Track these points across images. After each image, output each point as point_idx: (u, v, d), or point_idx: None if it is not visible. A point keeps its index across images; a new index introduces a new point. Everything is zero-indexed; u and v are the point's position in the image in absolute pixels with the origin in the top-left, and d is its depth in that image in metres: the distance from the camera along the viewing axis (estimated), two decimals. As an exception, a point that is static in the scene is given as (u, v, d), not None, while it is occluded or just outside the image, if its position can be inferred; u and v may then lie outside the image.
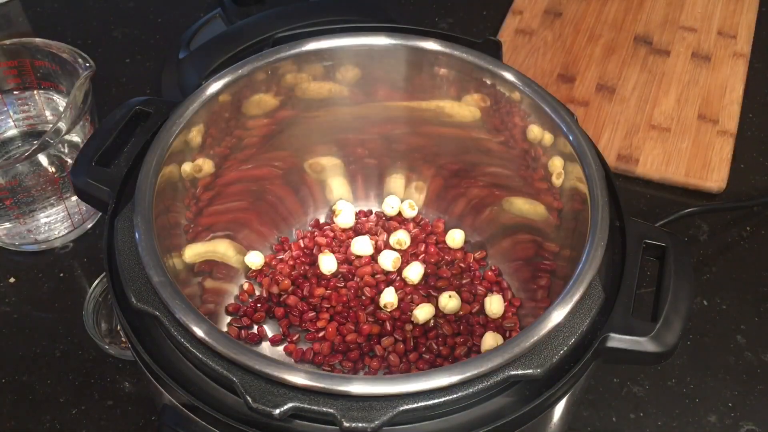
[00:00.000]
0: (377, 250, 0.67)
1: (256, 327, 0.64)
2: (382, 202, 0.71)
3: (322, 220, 0.70)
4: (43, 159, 0.69)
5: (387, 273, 0.66)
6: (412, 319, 0.63)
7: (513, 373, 0.45)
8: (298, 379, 0.43)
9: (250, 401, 0.43)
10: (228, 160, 0.61)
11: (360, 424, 0.43)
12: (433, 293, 0.65)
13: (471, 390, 0.44)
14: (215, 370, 0.45)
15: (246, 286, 0.66)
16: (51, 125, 0.65)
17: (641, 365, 0.66)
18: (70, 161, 0.71)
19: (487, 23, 0.94)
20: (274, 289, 0.65)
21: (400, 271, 0.66)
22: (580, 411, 0.64)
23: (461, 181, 0.67)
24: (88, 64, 0.68)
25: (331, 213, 0.70)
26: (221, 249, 0.64)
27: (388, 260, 0.66)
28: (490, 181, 0.66)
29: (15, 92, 0.75)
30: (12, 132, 0.76)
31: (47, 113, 0.76)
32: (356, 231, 0.69)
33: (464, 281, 0.65)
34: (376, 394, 0.43)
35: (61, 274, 0.72)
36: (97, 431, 0.63)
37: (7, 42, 0.71)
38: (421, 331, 0.62)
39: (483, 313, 0.64)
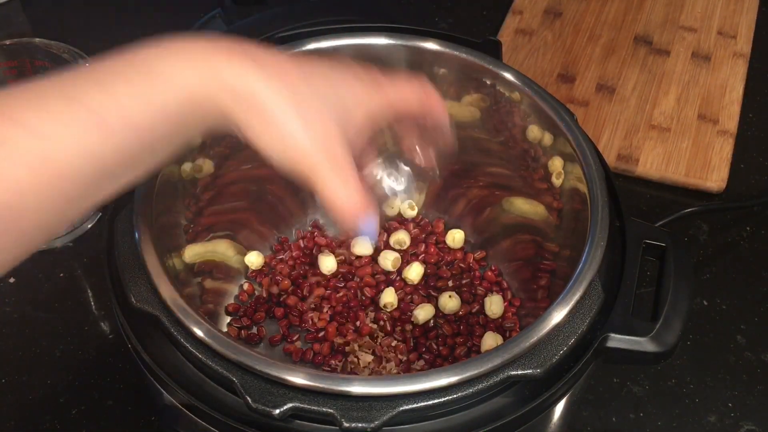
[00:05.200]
0: (377, 250, 0.67)
1: (255, 327, 0.64)
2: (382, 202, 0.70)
3: (321, 221, 0.70)
4: (43, 159, 0.69)
5: (387, 273, 0.66)
6: (412, 319, 0.63)
7: (513, 373, 0.45)
8: (298, 379, 0.43)
9: (250, 401, 0.43)
10: (228, 160, 0.61)
11: (360, 424, 0.43)
12: (433, 293, 0.65)
13: (471, 390, 0.44)
14: (215, 371, 0.45)
15: (246, 286, 0.66)
16: (51, 125, 0.65)
17: (641, 365, 0.66)
18: (70, 161, 0.71)
19: (487, 23, 0.94)
20: (274, 289, 0.65)
21: (400, 271, 0.66)
22: (580, 411, 0.64)
23: (461, 181, 0.67)
24: (87, 65, 0.68)
25: (331, 213, 0.69)
26: (221, 249, 0.64)
27: (388, 260, 0.66)
28: (490, 181, 0.66)
29: (15, 92, 0.74)
30: (12, 132, 0.76)
31: (47, 113, 0.76)
32: (356, 231, 0.69)
33: (464, 281, 0.65)
34: (376, 394, 0.43)
35: (61, 274, 0.72)
36: (97, 431, 0.63)
37: (7, 42, 0.71)
38: (421, 331, 0.62)
39: (483, 313, 0.63)
